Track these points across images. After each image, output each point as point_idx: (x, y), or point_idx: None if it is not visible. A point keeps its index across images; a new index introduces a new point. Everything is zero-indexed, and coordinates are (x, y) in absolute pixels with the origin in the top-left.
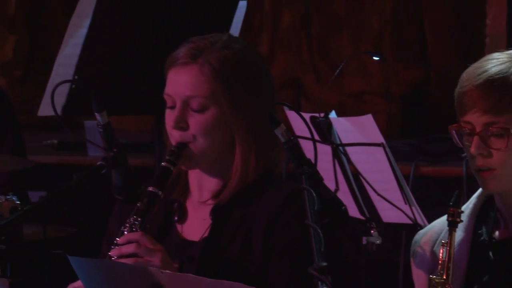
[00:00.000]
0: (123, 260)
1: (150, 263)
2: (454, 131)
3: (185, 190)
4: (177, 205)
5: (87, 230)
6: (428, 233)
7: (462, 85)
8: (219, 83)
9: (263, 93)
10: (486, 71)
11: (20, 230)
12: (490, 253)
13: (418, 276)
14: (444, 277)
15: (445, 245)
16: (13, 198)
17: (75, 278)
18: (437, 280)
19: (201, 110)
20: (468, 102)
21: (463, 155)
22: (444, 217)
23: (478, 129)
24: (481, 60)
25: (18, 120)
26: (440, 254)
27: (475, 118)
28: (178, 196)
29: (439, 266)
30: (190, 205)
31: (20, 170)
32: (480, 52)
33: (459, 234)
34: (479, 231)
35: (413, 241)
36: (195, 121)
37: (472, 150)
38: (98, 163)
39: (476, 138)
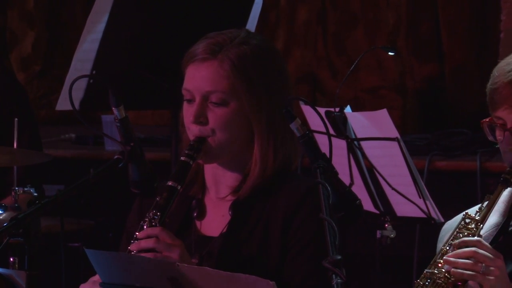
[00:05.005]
0: (142, 254)
1: (169, 258)
2: (486, 126)
3: (203, 187)
4: (196, 202)
5: (104, 224)
6: (455, 220)
7: (493, 82)
8: (238, 78)
9: (280, 88)
10: None
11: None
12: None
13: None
14: (478, 218)
15: (489, 199)
16: (31, 190)
17: (91, 271)
18: (471, 217)
19: (221, 104)
20: (499, 98)
21: (498, 145)
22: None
23: (509, 125)
24: None
25: (35, 115)
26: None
27: (506, 115)
28: (196, 192)
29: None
30: (209, 201)
31: (37, 164)
32: (495, 47)
33: (494, 218)
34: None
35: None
36: (215, 115)
37: (504, 145)
38: (115, 157)
39: (507, 133)
